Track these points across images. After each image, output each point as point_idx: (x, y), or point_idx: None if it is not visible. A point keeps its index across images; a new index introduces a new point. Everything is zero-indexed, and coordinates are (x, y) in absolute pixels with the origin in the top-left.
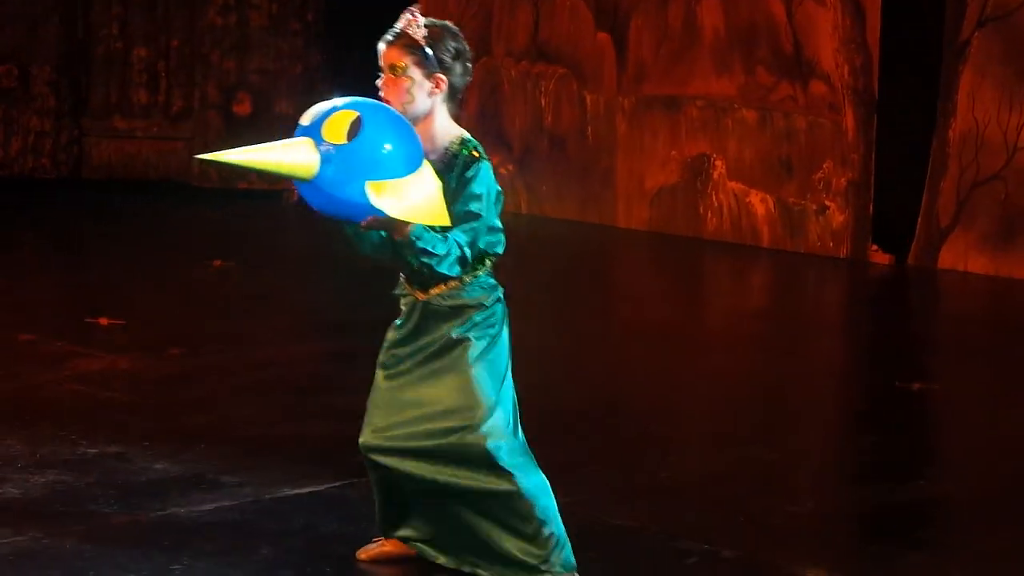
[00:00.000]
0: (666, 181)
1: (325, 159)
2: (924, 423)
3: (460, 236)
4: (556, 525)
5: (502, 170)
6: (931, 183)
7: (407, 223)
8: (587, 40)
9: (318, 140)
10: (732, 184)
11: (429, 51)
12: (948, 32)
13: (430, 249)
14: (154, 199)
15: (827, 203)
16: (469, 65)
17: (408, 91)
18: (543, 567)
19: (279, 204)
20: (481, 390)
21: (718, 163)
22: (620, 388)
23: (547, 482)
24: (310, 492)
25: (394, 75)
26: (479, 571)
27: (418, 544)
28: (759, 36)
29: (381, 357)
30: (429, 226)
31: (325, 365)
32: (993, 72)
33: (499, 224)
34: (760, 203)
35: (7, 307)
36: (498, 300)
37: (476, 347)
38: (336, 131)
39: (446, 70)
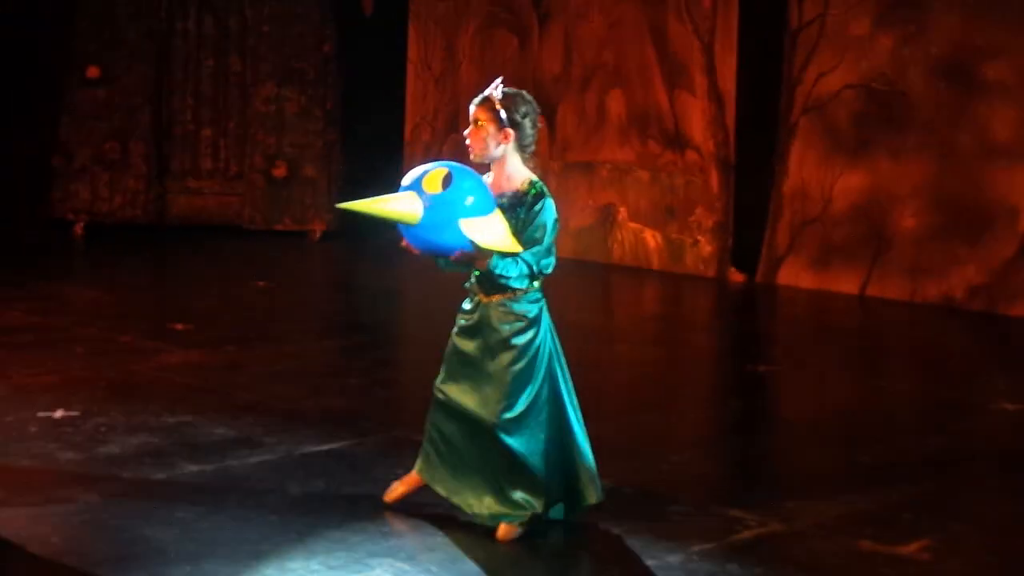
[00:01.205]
0: (584, 222)
1: (427, 206)
2: (768, 395)
3: (529, 257)
4: (545, 484)
5: None
6: (772, 223)
7: (487, 255)
8: None
9: (420, 192)
10: (631, 224)
11: (502, 112)
12: (783, 116)
13: (505, 273)
14: (216, 239)
15: (699, 238)
16: (537, 123)
17: (484, 140)
18: (527, 507)
19: (305, 242)
20: (513, 388)
21: (621, 209)
22: None
23: (542, 452)
24: (328, 449)
25: (475, 127)
26: (472, 507)
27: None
28: (650, 119)
29: (454, 332)
30: (502, 253)
31: (340, 356)
32: (814, 145)
33: (554, 248)
34: (651, 238)
35: (112, 316)
36: (540, 311)
37: (519, 352)
38: (433, 184)
39: (515, 126)
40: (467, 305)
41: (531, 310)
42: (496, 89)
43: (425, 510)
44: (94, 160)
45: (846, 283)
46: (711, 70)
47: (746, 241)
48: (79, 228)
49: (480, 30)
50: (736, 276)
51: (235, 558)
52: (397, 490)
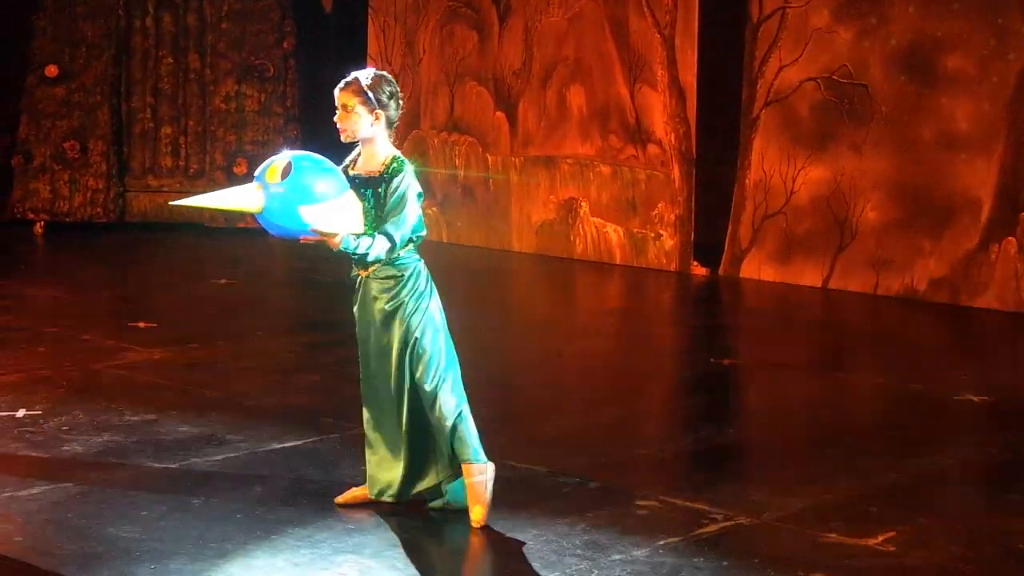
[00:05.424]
0: (547, 217)
1: (269, 196)
2: (732, 388)
3: (388, 228)
4: (468, 429)
5: (428, 211)
6: (734, 217)
7: (334, 235)
8: (488, 117)
9: (263, 183)
10: (594, 219)
11: (371, 95)
12: (744, 109)
13: (354, 249)
14: (177, 236)
15: (661, 232)
16: (400, 102)
17: (355, 123)
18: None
19: (267, 237)
20: (420, 340)
21: (583, 204)
22: (516, 367)
23: (464, 398)
24: (292, 446)
25: (345, 112)
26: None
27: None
28: (611, 113)
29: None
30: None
31: (301, 353)
32: (776, 138)
33: (421, 216)
34: (614, 232)
35: (73, 315)
36: (418, 269)
37: (407, 308)
38: (273, 174)
39: (383, 107)
40: (354, 293)
41: (404, 266)
42: (361, 73)
43: (390, 506)
44: (54, 159)
45: (809, 276)
46: (672, 64)
47: (709, 235)
48: (39, 227)
49: (440, 25)
50: (699, 270)
51: (200, 556)
52: (348, 495)
